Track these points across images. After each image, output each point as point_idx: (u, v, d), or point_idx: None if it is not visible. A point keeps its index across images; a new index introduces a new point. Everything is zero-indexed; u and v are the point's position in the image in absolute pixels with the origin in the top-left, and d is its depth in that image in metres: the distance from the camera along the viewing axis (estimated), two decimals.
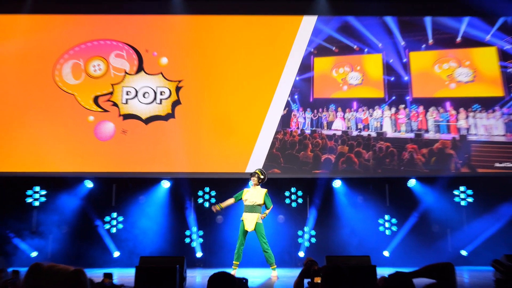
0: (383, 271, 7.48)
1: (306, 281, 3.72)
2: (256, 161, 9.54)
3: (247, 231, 7.54)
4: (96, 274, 7.25)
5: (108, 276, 5.39)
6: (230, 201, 7.85)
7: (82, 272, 2.29)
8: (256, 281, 6.89)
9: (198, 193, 10.14)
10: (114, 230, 9.94)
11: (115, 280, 5.55)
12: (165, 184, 10.02)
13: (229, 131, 9.65)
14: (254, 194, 7.66)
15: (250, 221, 7.51)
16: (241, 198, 7.74)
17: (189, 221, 10.00)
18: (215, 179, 9.96)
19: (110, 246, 9.75)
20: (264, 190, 7.66)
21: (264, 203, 7.66)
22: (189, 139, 9.65)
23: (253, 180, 7.72)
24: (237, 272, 7.47)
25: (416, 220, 9.85)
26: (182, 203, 10.00)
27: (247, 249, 8.54)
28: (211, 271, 2.86)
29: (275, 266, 7.52)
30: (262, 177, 7.70)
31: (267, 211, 7.64)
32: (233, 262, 7.53)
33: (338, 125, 9.84)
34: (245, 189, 7.88)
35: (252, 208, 7.57)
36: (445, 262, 3.14)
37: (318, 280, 3.69)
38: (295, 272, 8.22)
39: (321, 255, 7.57)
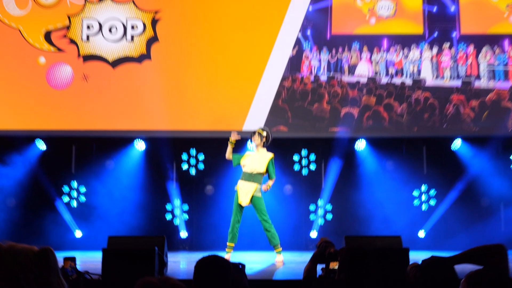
0: (417, 256, 7.59)
1: (319, 267, 3.79)
2: (256, 117, 9.54)
3: (242, 205, 7.59)
4: None
5: (70, 260, 5.49)
6: (230, 152, 7.75)
7: (51, 251, 2.34)
8: (256, 267, 7.01)
9: (182, 156, 10.19)
10: (74, 203, 10.03)
11: (77, 266, 5.65)
12: (140, 146, 10.05)
13: (222, 77, 9.61)
14: (255, 159, 7.66)
15: (245, 192, 7.55)
16: (239, 163, 7.75)
17: (171, 193, 10.08)
18: (203, 139, 9.98)
19: (70, 223, 9.87)
20: (270, 155, 7.65)
21: (267, 172, 7.66)
22: (169, 87, 9.62)
23: (254, 140, 7.70)
24: (232, 256, 7.59)
25: (461, 191, 9.93)
26: (161, 169, 10.05)
27: (245, 228, 8.65)
28: (198, 255, 2.92)
29: (280, 248, 7.63)
30: (264, 134, 7.67)
31: (270, 183, 7.65)
32: (227, 243, 7.63)
33: (363, 70, 9.79)
34: (248, 153, 7.88)
35: (250, 177, 7.59)
36: (496, 244, 3.19)
37: (334, 265, 3.75)
38: (306, 257, 8.35)
39: (338, 236, 7.65)
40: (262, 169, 7.60)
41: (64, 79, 9.62)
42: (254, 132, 7.75)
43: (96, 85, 9.61)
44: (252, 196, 7.55)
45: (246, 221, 8.36)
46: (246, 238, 9.18)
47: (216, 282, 2.79)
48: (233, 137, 7.76)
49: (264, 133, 7.70)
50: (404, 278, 3.31)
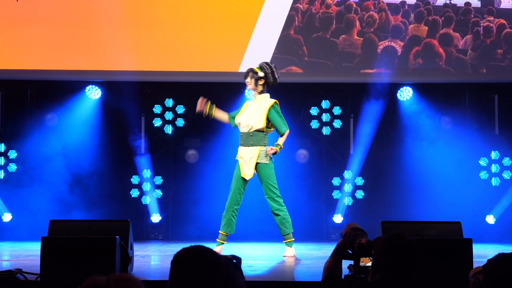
0: (484, 250, 7.61)
1: (345, 263, 3.80)
2: (257, 53, 9.50)
3: (245, 179, 7.55)
4: None
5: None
6: (224, 116, 7.74)
7: None
8: (258, 265, 7.05)
9: (154, 109, 10.17)
10: (1, 174, 10.05)
11: (6, 260, 5.71)
12: (93, 93, 10.03)
13: None
14: (251, 111, 7.57)
15: (246, 161, 7.51)
16: (235, 118, 7.70)
17: (138, 160, 10.10)
18: (183, 84, 9.94)
19: None
20: (270, 102, 7.55)
21: (272, 124, 7.58)
22: (135, 10, 9.57)
23: (248, 84, 7.59)
24: (224, 249, 7.62)
25: None
26: (124, 127, 10.05)
27: (244, 210, 8.70)
28: (176, 247, 2.93)
29: (293, 238, 7.65)
30: (261, 74, 7.51)
31: (282, 140, 7.54)
32: (219, 231, 7.65)
33: None
34: (246, 103, 7.81)
35: (248, 138, 7.51)
36: None
37: (366, 261, 3.74)
38: (327, 250, 8.40)
39: (372, 220, 7.67)
40: (261, 124, 7.50)
41: None
42: (247, 72, 7.63)
43: (30, 7, 9.55)
44: (256, 164, 7.52)
45: (246, 200, 8.39)
46: (245, 224, 9.22)
47: (200, 282, 2.80)
48: (198, 108, 7.74)
49: (261, 73, 7.57)
50: (465, 285, 3.33)
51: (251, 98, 7.88)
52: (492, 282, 3.07)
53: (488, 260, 3.14)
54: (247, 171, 7.48)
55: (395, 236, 3.32)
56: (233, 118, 7.71)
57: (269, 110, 7.47)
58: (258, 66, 7.57)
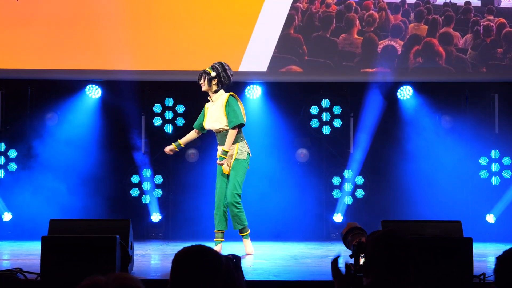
0: (483, 249, 7.61)
1: (345, 261, 3.80)
2: (257, 52, 9.51)
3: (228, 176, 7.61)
4: None
5: None
6: (191, 135, 7.82)
7: None
8: (258, 264, 7.06)
9: (154, 108, 10.17)
10: (1, 174, 10.06)
11: (6, 260, 5.71)
12: (94, 92, 10.04)
13: None
14: (212, 112, 7.61)
15: (227, 159, 7.56)
16: (203, 126, 7.71)
17: (138, 159, 10.10)
18: (183, 83, 9.94)
19: None
20: (225, 97, 7.53)
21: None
22: (135, 9, 9.57)
23: (202, 85, 7.58)
24: (223, 248, 7.63)
25: None
26: (124, 126, 10.05)
27: (244, 211, 8.69)
28: (176, 246, 2.93)
29: (247, 230, 7.68)
30: (213, 74, 7.50)
31: (226, 144, 7.44)
32: (215, 231, 7.65)
33: None
34: (206, 105, 7.80)
35: (223, 138, 7.52)
36: None
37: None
38: (326, 249, 8.40)
39: (372, 219, 7.67)
40: (223, 123, 7.53)
41: None
42: (200, 74, 7.63)
43: (30, 7, 9.55)
44: (234, 160, 7.58)
45: (245, 200, 8.40)
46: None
47: (201, 282, 2.80)
48: (171, 151, 7.87)
49: (213, 73, 7.56)
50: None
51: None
52: (504, 274, 3.06)
53: (504, 252, 3.13)
54: (227, 168, 7.55)
55: (390, 232, 3.24)
56: (201, 127, 7.73)
57: (225, 106, 7.49)
58: (210, 67, 7.59)
